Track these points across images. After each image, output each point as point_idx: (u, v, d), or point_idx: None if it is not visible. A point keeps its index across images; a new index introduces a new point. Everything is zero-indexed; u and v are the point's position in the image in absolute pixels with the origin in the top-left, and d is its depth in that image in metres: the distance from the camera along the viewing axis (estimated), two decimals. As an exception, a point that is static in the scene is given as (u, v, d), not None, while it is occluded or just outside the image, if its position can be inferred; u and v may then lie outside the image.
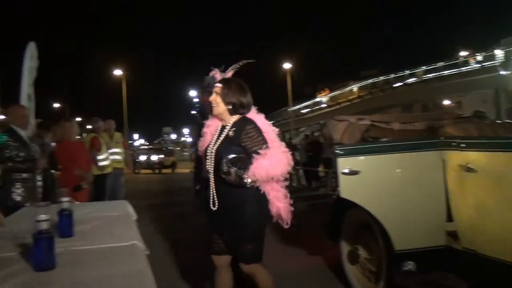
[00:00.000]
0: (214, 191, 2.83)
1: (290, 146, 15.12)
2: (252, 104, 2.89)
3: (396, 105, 33.17)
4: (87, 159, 6.14)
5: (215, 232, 2.88)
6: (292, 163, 2.75)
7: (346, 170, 3.25)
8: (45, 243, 1.64)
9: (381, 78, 37.08)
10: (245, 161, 2.63)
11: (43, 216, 1.64)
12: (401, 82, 34.16)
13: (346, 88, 42.55)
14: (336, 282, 4.11)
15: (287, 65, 35.90)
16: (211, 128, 2.95)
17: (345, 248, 3.91)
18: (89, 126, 9.74)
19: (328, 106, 43.08)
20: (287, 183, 2.83)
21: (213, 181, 2.84)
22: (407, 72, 33.71)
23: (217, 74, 3.02)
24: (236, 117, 2.82)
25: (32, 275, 1.60)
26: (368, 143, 3.92)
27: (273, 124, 2.92)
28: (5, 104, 7.71)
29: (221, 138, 2.82)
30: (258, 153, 2.63)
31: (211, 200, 2.85)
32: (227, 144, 2.76)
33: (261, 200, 2.75)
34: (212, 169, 2.81)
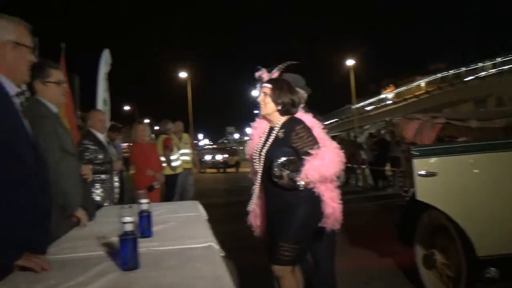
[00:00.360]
0: (259, 193, 2.82)
1: (355, 144, 14.87)
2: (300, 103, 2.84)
3: (468, 100, 31.39)
4: (159, 160, 6.38)
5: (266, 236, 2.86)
6: (344, 160, 2.65)
7: (423, 172, 3.12)
8: (130, 244, 1.70)
9: (451, 71, 35.23)
10: (296, 163, 2.55)
11: (128, 218, 1.71)
12: (473, 75, 32.24)
13: (413, 84, 40.90)
14: (410, 286, 3.97)
15: (350, 62, 35.23)
16: (258, 130, 2.92)
17: (420, 251, 3.77)
18: (156, 128, 10.13)
19: (394, 103, 41.66)
20: (339, 182, 2.75)
21: (259, 184, 2.82)
22: (480, 64, 31.76)
23: (264, 74, 2.96)
24: (284, 118, 2.77)
25: (119, 275, 1.67)
26: (445, 143, 3.75)
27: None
28: (82, 108, 8.17)
29: (270, 140, 2.77)
30: (309, 154, 2.56)
31: (251, 202, 2.86)
32: (276, 146, 2.71)
33: (315, 202, 2.67)
34: (262, 171, 2.77)
